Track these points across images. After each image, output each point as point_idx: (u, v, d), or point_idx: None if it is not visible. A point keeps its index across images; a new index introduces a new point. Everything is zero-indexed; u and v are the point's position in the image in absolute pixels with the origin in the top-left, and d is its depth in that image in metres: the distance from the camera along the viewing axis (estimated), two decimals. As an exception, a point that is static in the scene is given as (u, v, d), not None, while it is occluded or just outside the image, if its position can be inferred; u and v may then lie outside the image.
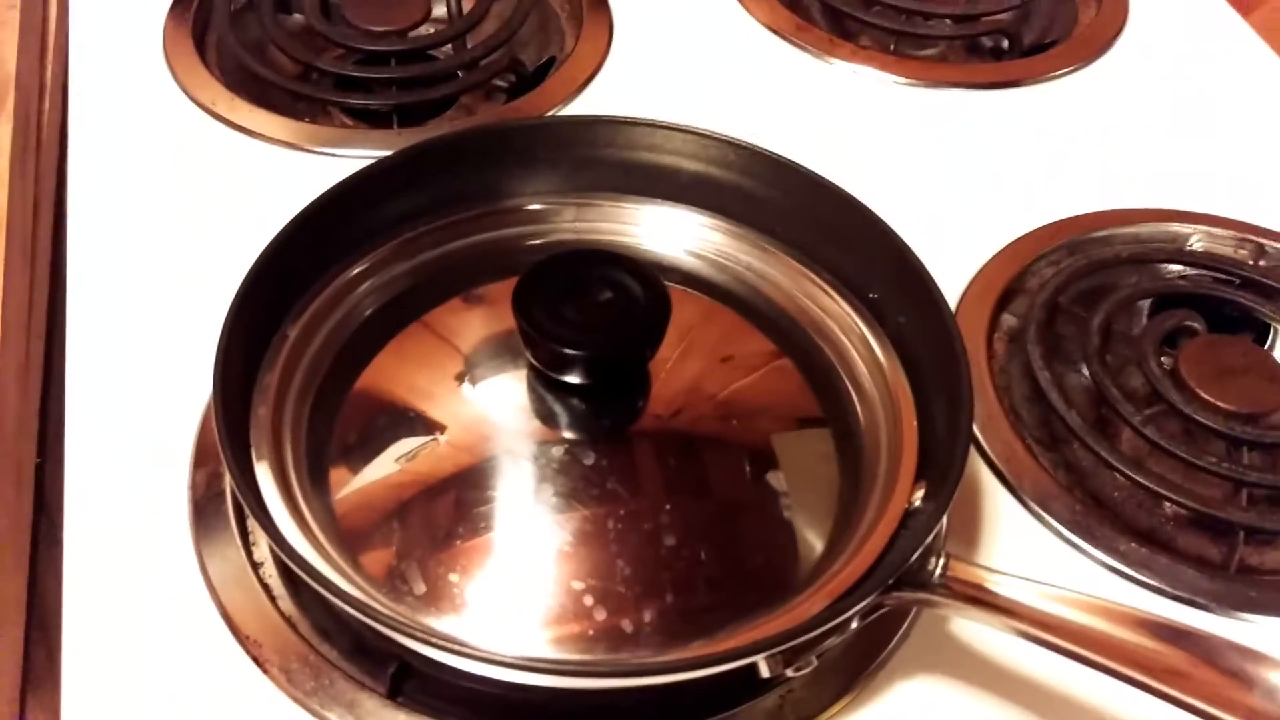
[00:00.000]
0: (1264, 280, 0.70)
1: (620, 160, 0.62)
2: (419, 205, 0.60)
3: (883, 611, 0.48)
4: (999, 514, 0.60)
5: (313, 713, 0.50)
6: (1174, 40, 0.90)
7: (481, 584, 0.49)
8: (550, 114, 0.78)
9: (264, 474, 0.51)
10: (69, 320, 0.64)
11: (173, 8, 0.82)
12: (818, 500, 0.54)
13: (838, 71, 0.83)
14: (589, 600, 0.48)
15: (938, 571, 0.47)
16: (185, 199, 0.70)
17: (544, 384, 0.54)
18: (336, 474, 0.53)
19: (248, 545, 0.55)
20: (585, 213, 0.63)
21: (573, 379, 0.53)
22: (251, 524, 0.55)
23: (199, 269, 0.66)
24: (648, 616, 0.48)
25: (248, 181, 0.72)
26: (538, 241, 0.63)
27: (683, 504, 0.52)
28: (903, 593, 0.47)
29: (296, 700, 0.51)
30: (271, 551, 0.54)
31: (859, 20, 0.87)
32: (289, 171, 0.72)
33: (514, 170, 0.62)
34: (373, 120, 0.78)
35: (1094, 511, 0.60)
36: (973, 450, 0.62)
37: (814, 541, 0.52)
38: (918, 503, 0.51)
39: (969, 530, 0.59)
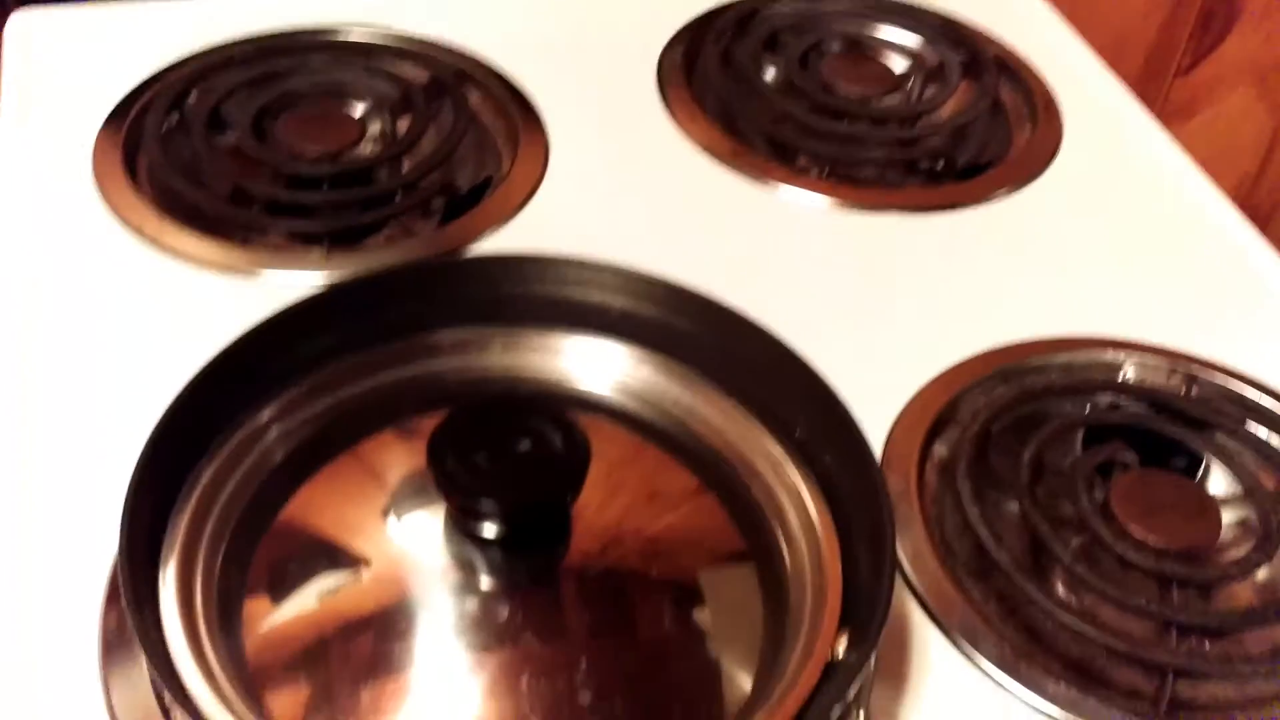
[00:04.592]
0: (1194, 412, 0.70)
1: (548, 296, 0.62)
2: (341, 342, 0.59)
3: (801, 773, 0.47)
4: (927, 651, 0.59)
5: None
6: (1108, 162, 0.90)
7: (391, 742, 0.48)
8: (485, 237, 0.78)
9: (170, 618, 0.50)
10: (-16, 451, 0.63)
11: (104, 126, 0.82)
12: (742, 644, 0.53)
13: (773, 197, 0.84)
14: (500, 760, 0.47)
15: (857, 732, 0.46)
16: (111, 324, 0.69)
17: (462, 530, 0.53)
18: (252, 611, 0.52)
19: (159, 689, 0.53)
20: (512, 346, 0.62)
21: (489, 530, 0.52)
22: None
23: (121, 398, 0.65)
24: (561, 777, 0.47)
25: (176, 306, 0.71)
26: (465, 375, 0.62)
27: (601, 654, 0.51)
28: (820, 755, 0.46)
29: None
30: (180, 700, 0.53)
31: (795, 144, 0.88)
32: (218, 296, 0.72)
33: (440, 305, 0.61)
34: (307, 241, 0.78)
35: (1023, 649, 0.59)
36: (902, 585, 0.61)
37: (736, 690, 0.51)
38: (841, 653, 0.51)
39: (896, 668, 0.58)
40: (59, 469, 0.62)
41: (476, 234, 0.78)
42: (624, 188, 0.84)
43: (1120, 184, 0.89)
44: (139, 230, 0.74)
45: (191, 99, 0.84)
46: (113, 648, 0.55)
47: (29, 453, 0.63)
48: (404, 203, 0.79)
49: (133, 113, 0.83)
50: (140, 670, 0.53)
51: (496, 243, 0.78)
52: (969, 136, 0.92)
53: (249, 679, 0.50)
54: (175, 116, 0.84)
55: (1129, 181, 0.89)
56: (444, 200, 0.81)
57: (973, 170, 0.90)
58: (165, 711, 0.52)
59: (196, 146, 0.80)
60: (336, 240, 0.76)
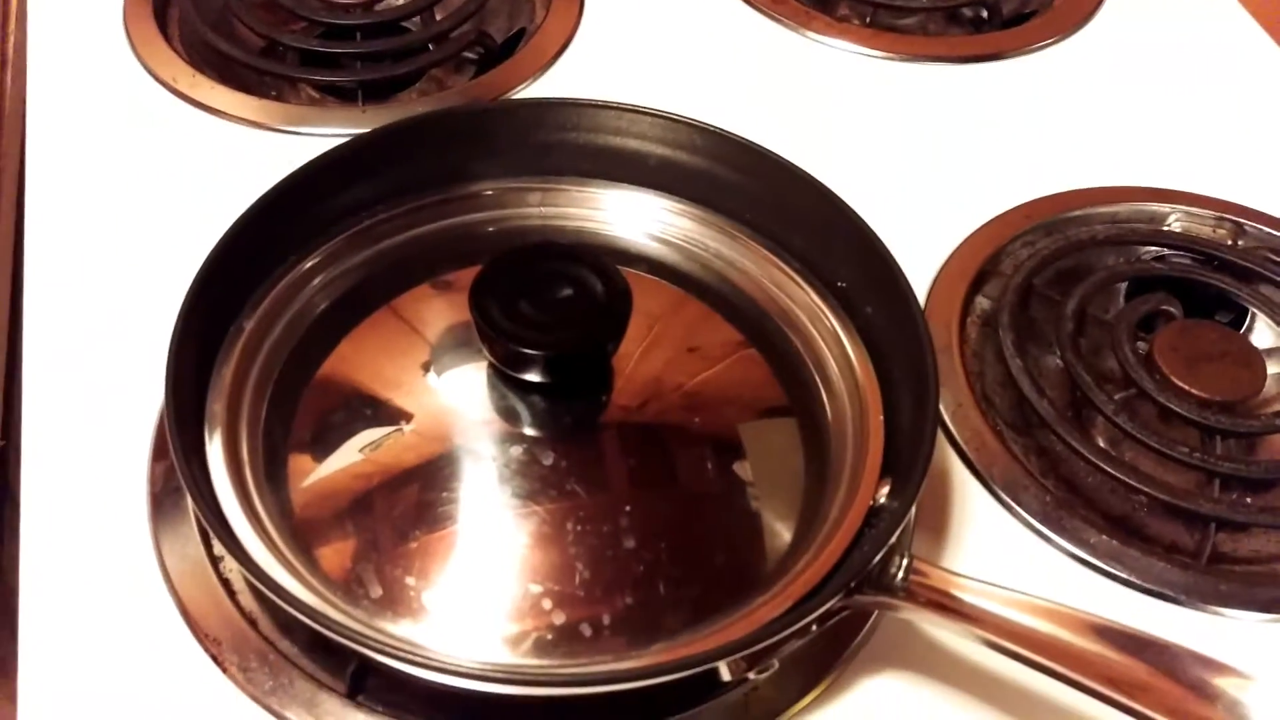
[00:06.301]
0: (1241, 262, 0.69)
1: (586, 144, 0.61)
2: (379, 191, 0.59)
3: (845, 614, 0.47)
4: (968, 503, 0.60)
5: (272, 712, 0.50)
6: (1155, 9, 0.88)
7: (438, 587, 0.49)
8: (519, 89, 0.77)
9: (218, 469, 0.51)
10: (25, 305, 0.63)
11: (134, -25, 0.80)
12: (783, 493, 0.53)
13: (813, 45, 0.82)
14: (547, 604, 0.48)
15: (900, 574, 0.47)
16: (146, 180, 0.69)
17: (504, 380, 0.53)
18: (297, 464, 0.53)
19: (207, 540, 0.54)
20: (551, 197, 0.62)
21: (532, 377, 0.52)
22: (211, 518, 0.55)
23: (158, 253, 0.65)
24: (606, 619, 0.48)
25: (210, 161, 0.70)
26: (503, 226, 0.62)
27: (644, 502, 0.52)
28: (864, 596, 0.46)
29: (255, 699, 0.50)
30: (228, 548, 0.53)
31: (836, -10, 0.86)
32: (252, 150, 0.71)
33: (477, 154, 0.61)
34: (340, 95, 0.77)
35: (1064, 501, 0.59)
36: (942, 438, 0.61)
37: (778, 537, 0.51)
38: (883, 499, 0.51)
39: (937, 519, 0.58)
40: (98, 324, 0.62)
41: (510, 87, 0.77)
42: (659, 37, 0.82)
43: (1166, 32, 0.87)
44: (172, 84, 0.74)
45: (219, -53, 0.83)
46: (161, 501, 0.55)
47: (69, 308, 0.63)
48: (437, 54, 0.78)
49: (161, -39, 0.81)
50: (189, 521, 0.54)
51: (530, 95, 0.77)
52: (1015, -17, 0.90)
53: (297, 529, 0.50)
54: (204, -34, 0.82)
55: (1175, 30, 0.87)
56: (477, 52, 0.80)
57: (1017, 19, 0.88)
58: (214, 561, 0.53)
59: (227, -4, 0.79)
60: (370, 93, 0.76)
